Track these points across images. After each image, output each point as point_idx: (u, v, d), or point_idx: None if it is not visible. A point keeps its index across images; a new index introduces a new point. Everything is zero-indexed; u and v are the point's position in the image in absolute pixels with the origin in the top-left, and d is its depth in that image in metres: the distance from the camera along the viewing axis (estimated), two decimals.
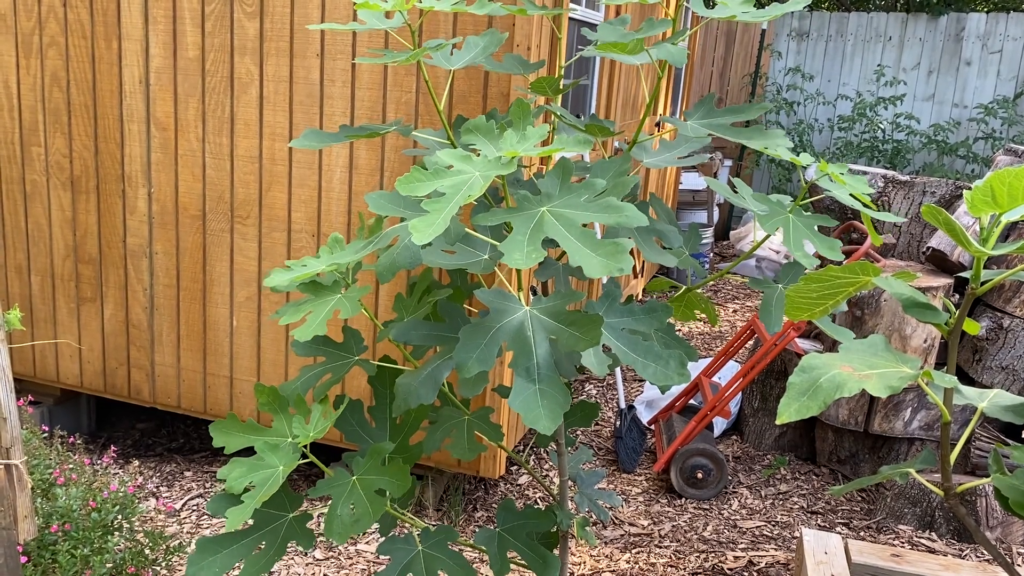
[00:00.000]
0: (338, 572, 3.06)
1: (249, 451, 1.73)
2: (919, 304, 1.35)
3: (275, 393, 1.73)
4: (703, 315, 2.46)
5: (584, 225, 1.39)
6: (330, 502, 1.65)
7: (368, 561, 3.13)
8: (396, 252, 1.62)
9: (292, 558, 3.13)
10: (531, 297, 1.59)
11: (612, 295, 1.67)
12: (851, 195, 1.68)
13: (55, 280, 3.71)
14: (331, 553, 3.17)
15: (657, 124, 5.73)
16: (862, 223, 4.18)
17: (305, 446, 1.70)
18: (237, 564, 1.72)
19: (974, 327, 1.45)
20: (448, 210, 1.33)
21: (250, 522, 1.75)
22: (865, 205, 2.02)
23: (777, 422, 1.19)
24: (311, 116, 3.17)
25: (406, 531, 1.86)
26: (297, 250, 3.33)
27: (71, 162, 3.55)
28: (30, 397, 3.60)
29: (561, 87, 1.94)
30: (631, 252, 5.88)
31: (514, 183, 1.82)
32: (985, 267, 1.35)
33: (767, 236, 1.69)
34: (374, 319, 1.84)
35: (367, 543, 3.24)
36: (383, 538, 1.85)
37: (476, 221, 1.50)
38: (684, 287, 1.98)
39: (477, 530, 2.71)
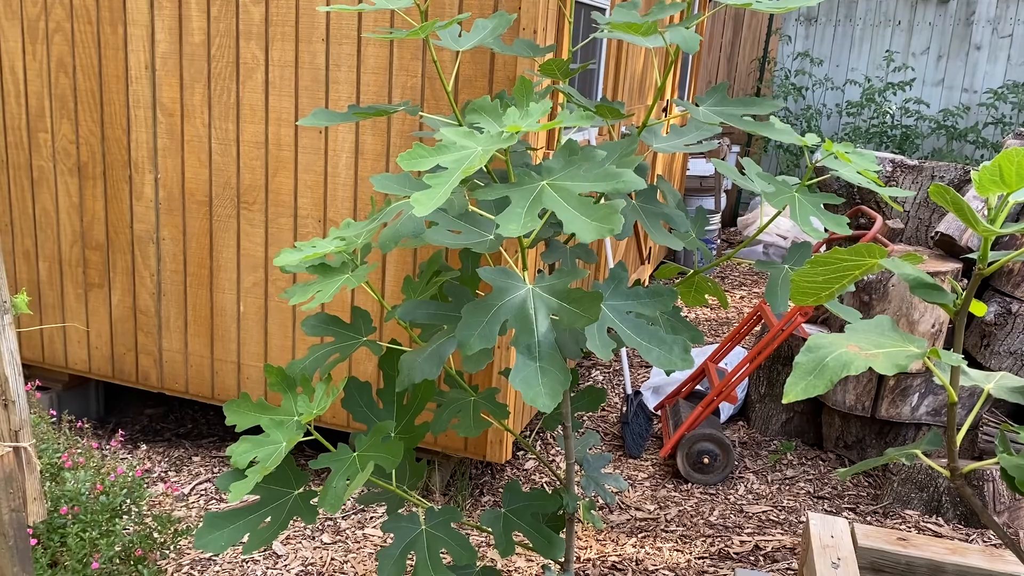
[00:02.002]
0: (345, 555, 3.07)
1: (260, 433, 1.74)
2: (926, 285, 1.34)
3: (283, 373, 1.75)
4: (714, 299, 2.45)
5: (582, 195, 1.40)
6: (329, 475, 1.67)
7: (375, 545, 3.14)
8: (399, 223, 1.63)
9: (300, 542, 3.15)
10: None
11: (618, 278, 1.67)
12: (858, 172, 1.67)
13: (63, 266, 3.72)
14: (339, 537, 3.18)
15: (664, 109, 5.71)
16: (870, 208, 4.16)
17: (309, 423, 1.71)
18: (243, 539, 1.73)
19: (981, 308, 1.45)
20: (450, 183, 1.33)
21: (257, 498, 1.77)
22: (873, 182, 2.02)
23: (784, 400, 1.19)
24: (317, 101, 3.17)
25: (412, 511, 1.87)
26: (304, 235, 3.33)
27: (77, 148, 3.56)
28: (38, 382, 3.62)
29: (570, 70, 1.93)
30: (640, 239, 5.81)
31: (523, 167, 1.82)
32: (993, 249, 1.35)
33: (776, 215, 1.69)
34: (381, 300, 1.84)
35: (374, 527, 3.25)
36: None
37: (477, 196, 1.51)
38: (692, 270, 1.98)
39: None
